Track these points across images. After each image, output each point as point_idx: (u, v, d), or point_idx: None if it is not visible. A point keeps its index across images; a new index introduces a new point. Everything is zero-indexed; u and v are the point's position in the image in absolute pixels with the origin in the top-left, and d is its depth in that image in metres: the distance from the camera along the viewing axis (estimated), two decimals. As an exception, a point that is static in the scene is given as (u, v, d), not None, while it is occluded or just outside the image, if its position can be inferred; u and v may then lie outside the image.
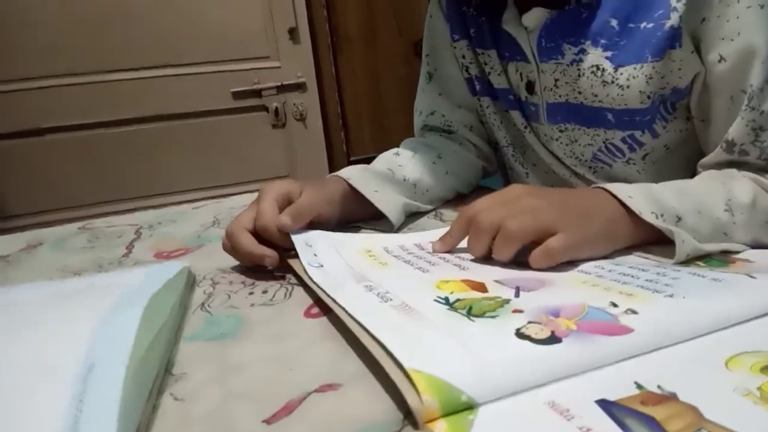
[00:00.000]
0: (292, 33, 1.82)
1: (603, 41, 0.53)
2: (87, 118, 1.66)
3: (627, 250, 0.46)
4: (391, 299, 0.36)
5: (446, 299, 0.36)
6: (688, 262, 0.42)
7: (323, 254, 0.47)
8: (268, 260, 0.48)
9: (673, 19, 0.49)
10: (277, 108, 1.85)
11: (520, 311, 0.33)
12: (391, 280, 0.40)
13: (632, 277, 0.38)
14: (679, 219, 0.44)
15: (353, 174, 0.60)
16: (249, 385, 0.33)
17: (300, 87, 1.87)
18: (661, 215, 0.44)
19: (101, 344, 0.31)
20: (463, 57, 0.66)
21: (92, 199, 1.71)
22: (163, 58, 1.69)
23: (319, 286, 0.41)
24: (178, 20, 1.68)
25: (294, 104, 1.87)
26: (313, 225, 0.52)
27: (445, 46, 0.68)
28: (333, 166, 2.00)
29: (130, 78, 1.67)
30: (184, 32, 1.69)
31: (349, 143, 2.04)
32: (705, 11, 0.49)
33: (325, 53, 1.92)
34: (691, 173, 0.58)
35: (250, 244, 0.48)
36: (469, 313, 0.34)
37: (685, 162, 0.58)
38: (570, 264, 0.42)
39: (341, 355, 0.35)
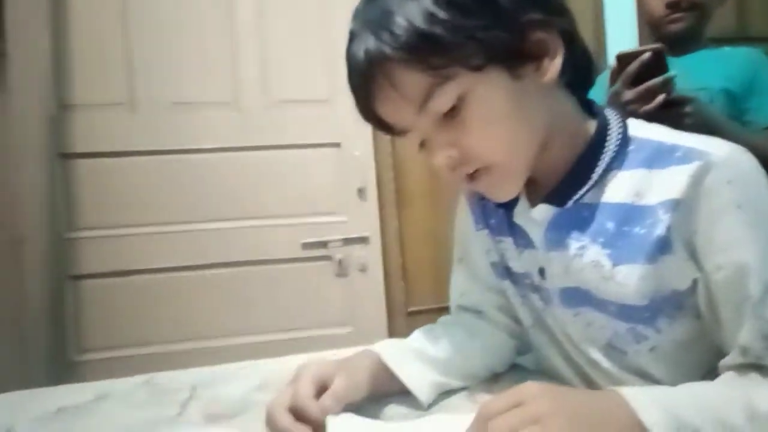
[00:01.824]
0: (360, 192, 1.98)
1: (601, 240, 0.58)
2: (169, 263, 1.83)
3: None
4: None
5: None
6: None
7: None
8: None
9: (660, 229, 0.53)
10: (341, 259, 1.96)
11: None
12: None
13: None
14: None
15: (387, 350, 0.64)
16: None
17: (364, 240, 1.99)
18: (677, 430, 0.44)
19: None
20: (486, 245, 0.72)
21: (165, 338, 1.82)
22: (243, 212, 1.88)
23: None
24: (260, 180, 1.89)
25: (357, 256, 1.98)
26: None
27: (472, 234, 0.74)
28: (391, 317, 2.04)
29: (211, 228, 1.85)
30: (263, 191, 1.90)
31: (409, 295, 2.09)
32: (694, 224, 0.52)
33: (390, 209, 2.06)
34: (709, 369, 0.57)
35: (288, 423, 0.53)
36: None
37: (700, 358, 0.58)
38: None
39: None
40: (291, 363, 0.80)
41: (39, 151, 1.72)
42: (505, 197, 0.60)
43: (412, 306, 2.09)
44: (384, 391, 0.63)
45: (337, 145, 1.95)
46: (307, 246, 1.93)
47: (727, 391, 0.49)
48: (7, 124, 1.70)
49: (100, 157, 1.78)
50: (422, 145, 0.58)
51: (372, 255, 2.00)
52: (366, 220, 1.99)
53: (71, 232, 1.77)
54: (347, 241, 1.97)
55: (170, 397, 0.72)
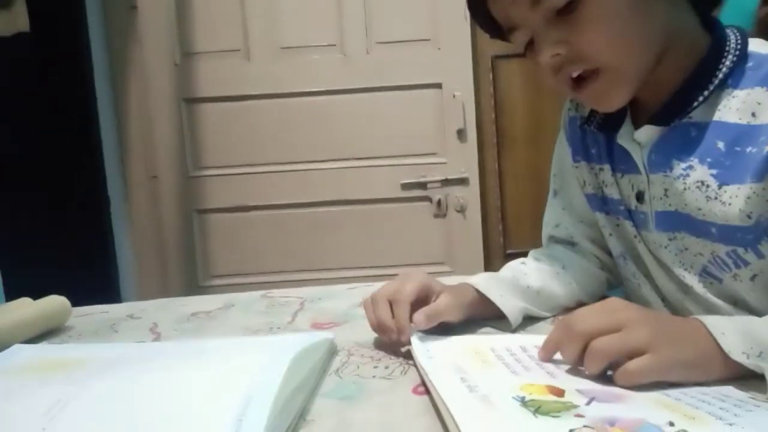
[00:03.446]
0: (460, 133, 1.99)
1: (709, 160, 0.56)
2: (281, 200, 1.98)
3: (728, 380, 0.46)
4: (477, 391, 0.44)
5: (522, 398, 0.42)
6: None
7: (435, 350, 0.55)
8: (395, 336, 0.57)
9: None
10: (439, 199, 2.01)
11: (582, 416, 0.39)
12: (484, 377, 0.47)
13: (708, 404, 0.41)
14: (779, 354, 0.45)
15: (481, 281, 0.68)
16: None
17: (463, 181, 2.01)
18: (759, 354, 0.44)
19: (256, 389, 0.43)
20: (582, 177, 0.72)
21: (277, 268, 1.99)
22: (347, 153, 1.97)
23: (425, 373, 0.49)
24: (363, 122, 1.96)
25: (456, 197, 2.02)
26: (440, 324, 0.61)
27: (569, 167, 0.75)
28: (489, 258, 2.07)
29: (317, 168, 1.97)
30: (366, 132, 1.97)
31: (507, 237, 2.10)
32: None
33: (489, 151, 2.06)
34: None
35: (386, 315, 0.58)
36: (537, 411, 0.40)
37: None
38: (657, 385, 0.44)
39: (434, 428, 0.43)
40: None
41: (167, 96, 1.90)
42: (611, 106, 0.59)
43: (510, 248, 2.10)
44: (476, 316, 0.66)
45: (438, 86, 1.96)
46: (406, 186, 1.99)
47: None
48: (141, 72, 1.89)
49: (219, 102, 1.94)
50: (528, 46, 0.58)
51: (471, 196, 2.03)
52: (465, 161, 2.01)
53: (196, 170, 1.97)
54: (446, 182, 2.00)
55: (284, 308, 0.81)
